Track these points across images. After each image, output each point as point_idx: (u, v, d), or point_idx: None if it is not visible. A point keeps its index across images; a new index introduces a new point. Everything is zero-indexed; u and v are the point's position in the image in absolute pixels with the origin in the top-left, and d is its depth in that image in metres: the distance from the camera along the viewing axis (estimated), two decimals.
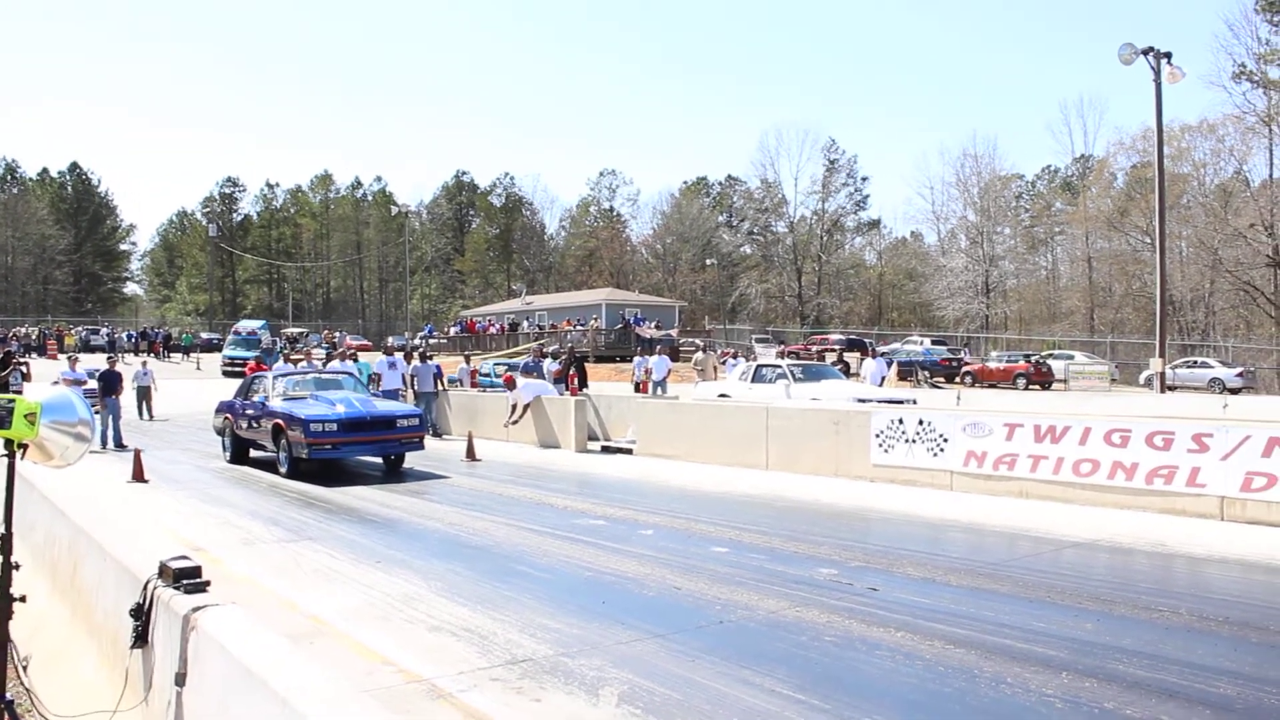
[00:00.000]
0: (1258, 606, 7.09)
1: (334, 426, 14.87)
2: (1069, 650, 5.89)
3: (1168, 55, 30.59)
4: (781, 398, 20.09)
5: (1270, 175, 55.19)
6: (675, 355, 40.56)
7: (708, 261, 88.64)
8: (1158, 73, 30.74)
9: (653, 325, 54.71)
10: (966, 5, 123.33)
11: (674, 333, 54.24)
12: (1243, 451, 10.13)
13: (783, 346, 49.35)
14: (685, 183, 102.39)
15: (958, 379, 40.99)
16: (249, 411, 16.89)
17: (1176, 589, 7.81)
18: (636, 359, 33.02)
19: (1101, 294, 64.41)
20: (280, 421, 15.38)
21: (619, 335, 52.64)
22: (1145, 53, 30.81)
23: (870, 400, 19.14)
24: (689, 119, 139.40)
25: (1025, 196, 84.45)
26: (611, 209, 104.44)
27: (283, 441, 15.37)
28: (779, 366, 22.78)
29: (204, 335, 70.06)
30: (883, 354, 37.18)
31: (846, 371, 28.05)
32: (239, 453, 17.52)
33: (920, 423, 13.49)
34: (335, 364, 25.20)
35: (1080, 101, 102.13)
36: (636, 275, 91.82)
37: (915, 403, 20.65)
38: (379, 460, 16.44)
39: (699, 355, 32.02)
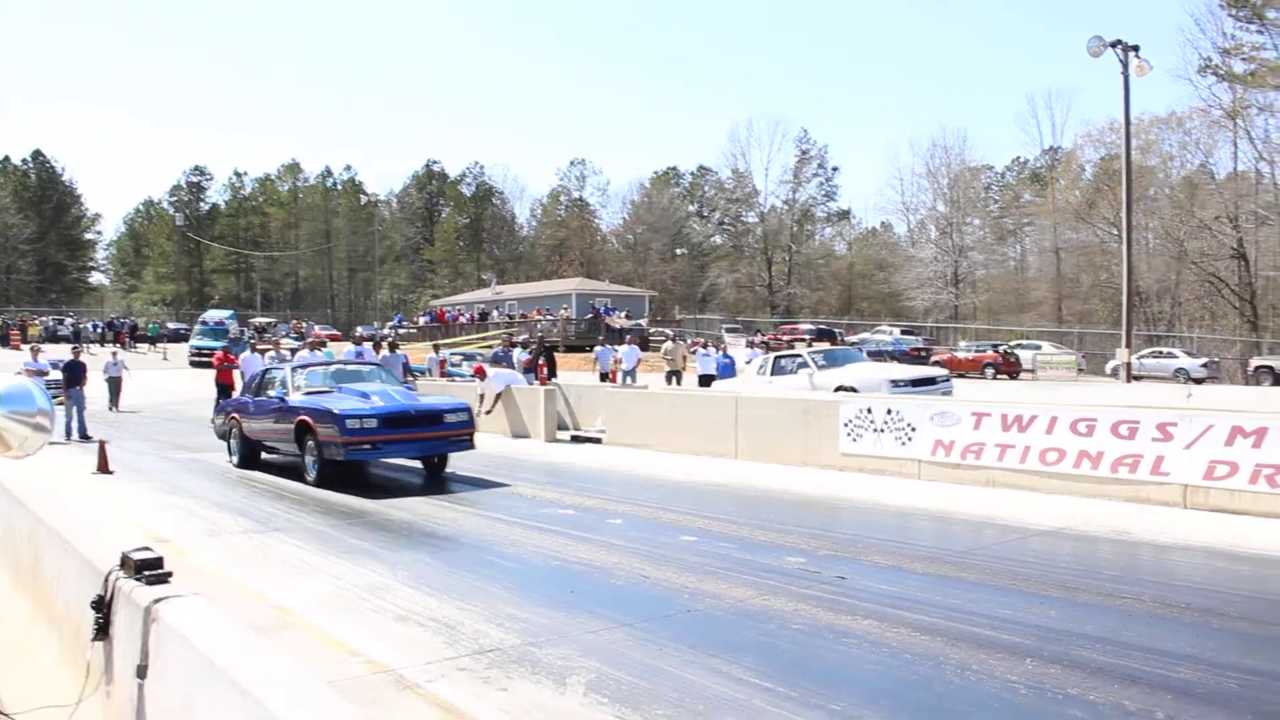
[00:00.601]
0: (1219, 593, 7.16)
1: (374, 423, 12.79)
2: (1034, 637, 5.94)
3: (1135, 48, 30.84)
4: (805, 388, 19.30)
5: (1235, 168, 55.85)
6: (645, 345, 40.58)
7: (678, 251, 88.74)
8: (1125, 65, 30.99)
9: (623, 315, 54.70)
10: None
11: (644, 322, 54.24)
12: (1206, 440, 10.22)
13: (757, 336, 49.43)
14: (656, 173, 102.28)
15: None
16: (263, 409, 14.80)
17: (1140, 576, 7.87)
18: (600, 349, 32.89)
19: (1069, 285, 64.95)
20: (306, 419, 13.28)
21: (589, 325, 52.61)
22: (1113, 45, 31.05)
23: (902, 380, 18.82)
24: (660, 109, 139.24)
25: (994, 188, 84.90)
26: (582, 199, 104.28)
27: (309, 443, 13.30)
28: (799, 356, 21.75)
29: (170, 325, 69.39)
30: (851, 343, 37.31)
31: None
32: (249, 456, 15.46)
33: (889, 412, 13.54)
34: (305, 353, 25.01)
35: (1049, 94, 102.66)
36: (607, 265, 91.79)
37: (948, 379, 20.12)
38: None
39: (668, 345, 32.01)
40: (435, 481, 13.83)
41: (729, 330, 56.11)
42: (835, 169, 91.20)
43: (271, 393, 14.81)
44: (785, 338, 47.58)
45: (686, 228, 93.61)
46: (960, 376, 38.77)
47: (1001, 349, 41.37)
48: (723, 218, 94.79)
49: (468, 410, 14.11)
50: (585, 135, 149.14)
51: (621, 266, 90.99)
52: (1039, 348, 43.02)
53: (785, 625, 6.34)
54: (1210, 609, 6.67)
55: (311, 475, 13.26)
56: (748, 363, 28.99)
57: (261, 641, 3.42)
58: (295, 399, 13.99)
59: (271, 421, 14.45)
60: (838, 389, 18.44)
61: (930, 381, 19.29)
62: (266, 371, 16.07)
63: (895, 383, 18.66)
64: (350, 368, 16.31)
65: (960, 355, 41.81)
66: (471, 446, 14.04)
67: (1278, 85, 51.25)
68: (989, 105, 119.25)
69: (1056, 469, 11.45)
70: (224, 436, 16.29)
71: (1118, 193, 43.58)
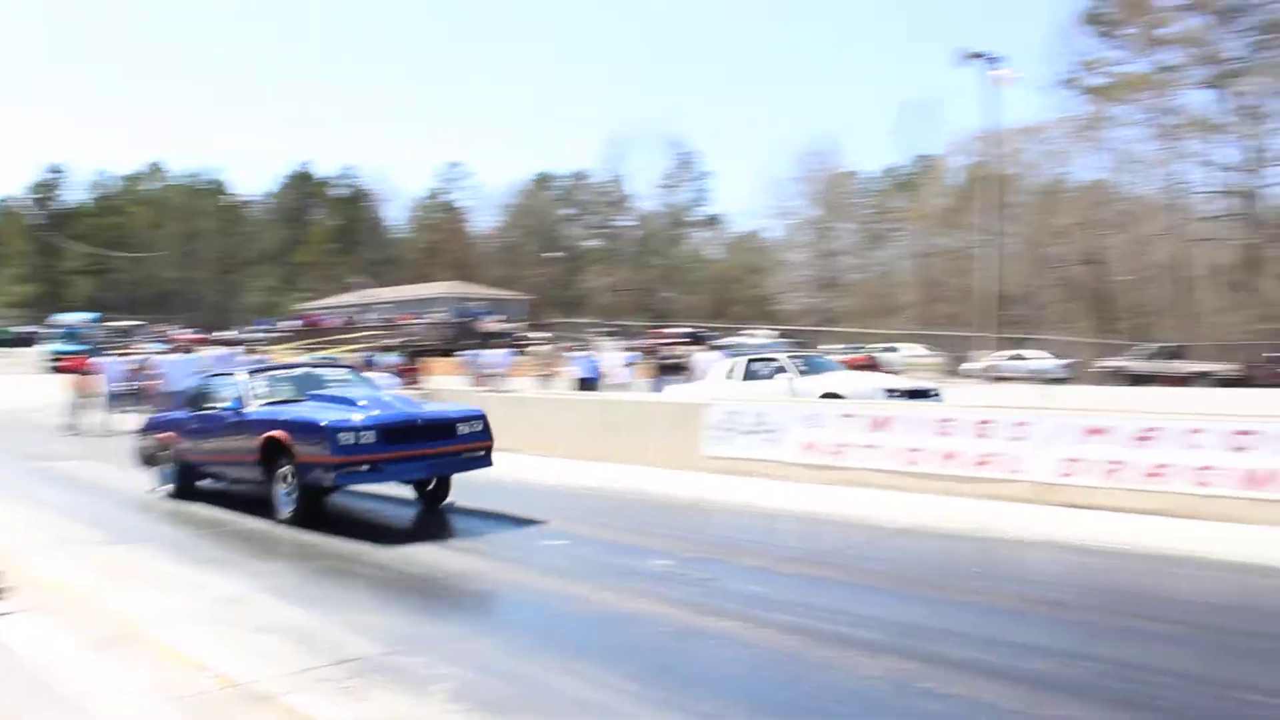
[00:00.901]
0: (1072, 586, 7.40)
1: (371, 436, 9.97)
2: (897, 634, 6.02)
3: (999, 60, 31.85)
4: (783, 394, 17.85)
5: (1090, 178, 58.36)
6: (518, 349, 40.44)
7: (553, 255, 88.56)
8: (989, 79, 31.98)
9: (495, 319, 54.44)
10: (816, 6, 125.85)
11: (518, 326, 54.07)
12: (1058, 439, 10.58)
13: (637, 341, 49.60)
14: (532, 177, 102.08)
15: None
16: (210, 426, 11.80)
17: (999, 572, 8.05)
18: (467, 354, 32.60)
19: (936, 289, 66.59)
20: (278, 434, 10.34)
21: (462, 329, 52.18)
22: (977, 57, 32.02)
23: (898, 390, 17.63)
24: (537, 113, 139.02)
25: (866, 193, 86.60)
26: (457, 202, 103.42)
27: (284, 466, 10.37)
28: (775, 360, 19.96)
29: (21, 329, 66.35)
30: (723, 347, 37.63)
31: (679, 369, 26.56)
32: (186, 483, 12.58)
33: (758, 414, 13.67)
34: (174, 358, 24.35)
35: (920, 103, 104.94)
36: (482, 268, 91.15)
37: (938, 393, 18.64)
38: None
39: (540, 349, 31.97)
40: (425, 511, 11.45)
41: (605, 334, 56.19)
42: (709, 174, 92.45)
43: (219, 404, 11.80)
44: (657, 342, 47.84)
45: (562, 232, 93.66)
46: None
47: (863, 351, 42.30)
48: (598, 222, 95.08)
49: (483, 419, 11.14)
50: (462, 139, 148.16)
51: (497, 270, 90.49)
52: (895, 349, 44.17)
53: (652, 628, 6.34)
54: (1064, 602, 6.89)
55: (286, 511, 10.35)
56: (626, 365, 29.00)
57: (101, 657, 3.28)
58: (256, 410, 11.13)
59: (223, 440, 11.54)
60: (824, 396, 17.18)
61: (924, 394, 17.99)
62: (209, 378, 13.09)
63: (891, 391, 17.46)
64: (319, 371, 13.27)
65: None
66: (489, 463, 11.15)
67: (1132, 99, 53.56)
68: (863, 113, 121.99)
69: (920, 469, 11.67)
70: (151, 460, 13.26)
71: (982, 199, 44.89)
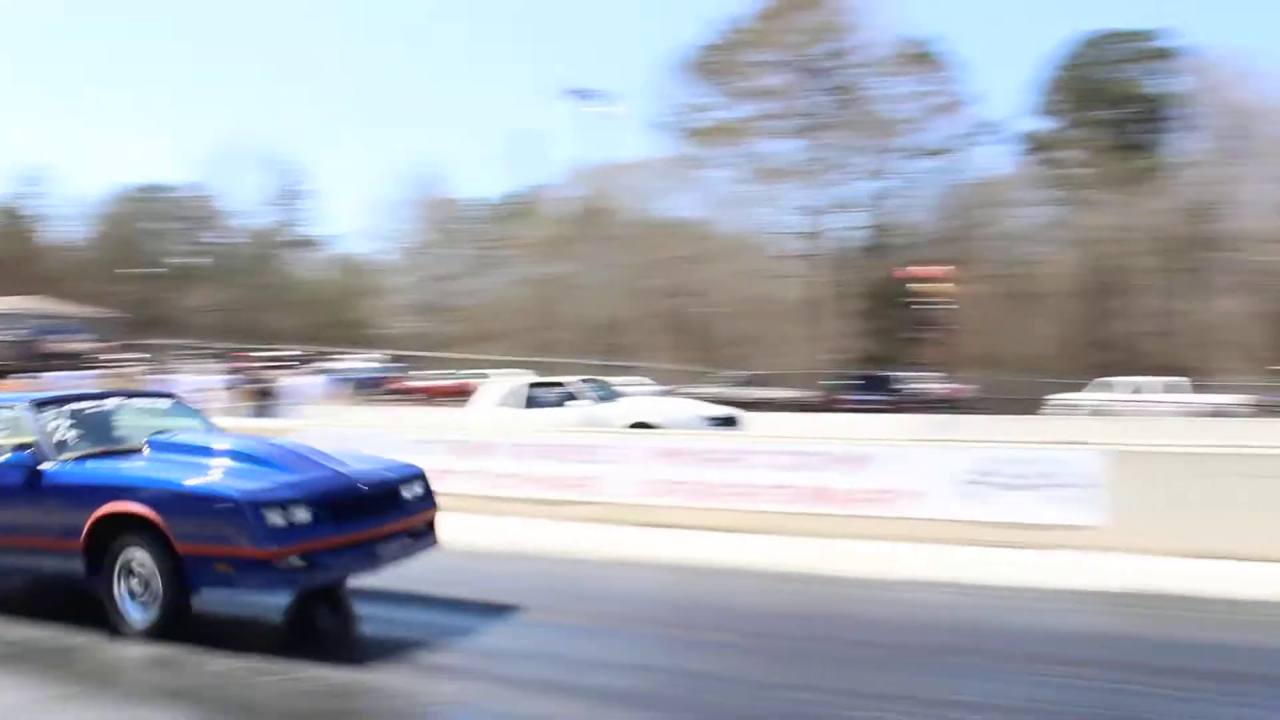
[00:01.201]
0: (652, 602, 7.77)
1: (304, 514, 6.36)
2: (473, 656, 6.12)
3: (602, 96, 33.11)
4: (578, 422, 16.42)
5: (688, 214, 62.47)
6: (94, 369, 37.70)
7: (147, 271, 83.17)
8: (593, 114, 33.16)
9: (83, 337, 50.47)
10: (432, 32, 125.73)
11: (108, 346, 50.30)
12: (643, 461, 11.17)
13: (237, 363, 47.48)
14: (128, 187, 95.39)
15: (391, 396, 42.03)
16: None
17: (582, 591, 8.27)
18: (52, 374, 30.07)
19: (542, 316, 68.10)
20: (135, 509, 6.41)
21: (35, 348, 47.87)
22: (582, 93, 33.15)
23: (717, 418, 17.26)
24: (133, 123, 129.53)
25: (476, 220, 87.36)
26: (40, 210, 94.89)
27: (124, 552, 6.48)
28: (562, 385, 18.73)
29: None
30: (325, 371, 36.93)
31: (267, 394, 25.35)
32: None
33: (348, 440, 13.35)
34: None
35: (530, 134, 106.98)
36: (69, 283, 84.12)
37: (736, 422, 17.78)
38: None
39: (129, 370, 30.00)
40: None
41: (205, 356, 53.34)
42: (318, 195, 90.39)
43: None
44: (254, 365, 46.21)
45: (160, 247, 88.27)
46: (438, 402, 39.73)
47: (454, 376, 43.31)
48: (198, 238, 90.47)
49: (424, 479, 7.69)
50: (49, 142, 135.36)
51: (88, 285, 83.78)
52: (486, 375, 45.19)
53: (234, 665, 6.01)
54: (642, 617, 7.30)
55: (143, 618, 6.46)
56: (226, 389, 27.45)
57: None
58: (71, 468, 6.91)
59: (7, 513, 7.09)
60: (635, 425, 16.01)
61: (733, 421, 17.72)
62: None
63: (712, 420, 17.06)
64: (136, 403, 8.58)
65: (414, 383, 43.29)
66: (435, 542, 7.66)
67: (727, 143, 57.77)
68: (473, 141, 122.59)
69: (517, 493, 11.76)
70: None
71: (585, 230, 46.52)
